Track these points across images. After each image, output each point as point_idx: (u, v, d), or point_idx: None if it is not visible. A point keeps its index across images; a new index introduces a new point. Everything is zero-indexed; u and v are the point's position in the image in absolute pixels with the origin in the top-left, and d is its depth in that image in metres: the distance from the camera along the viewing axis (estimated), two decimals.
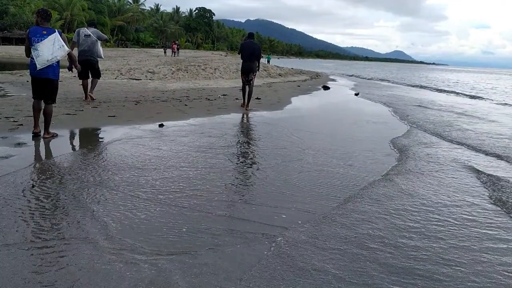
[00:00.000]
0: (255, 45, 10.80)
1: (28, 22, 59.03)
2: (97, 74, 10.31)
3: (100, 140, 6.57)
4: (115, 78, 17.34)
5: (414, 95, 19.88)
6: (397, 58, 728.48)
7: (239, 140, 6.92)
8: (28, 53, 6.02)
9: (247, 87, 10.69)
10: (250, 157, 5.92)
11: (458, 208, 4.20)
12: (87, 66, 9.94)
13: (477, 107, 15.40)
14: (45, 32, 5.99)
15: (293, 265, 2.85)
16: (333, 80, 28.72)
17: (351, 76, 39.31)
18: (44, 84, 6.14)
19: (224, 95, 13.32)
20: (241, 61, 10.82)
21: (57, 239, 3.04)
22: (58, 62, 6.16)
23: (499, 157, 6.72)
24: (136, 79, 17.37)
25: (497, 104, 17.45)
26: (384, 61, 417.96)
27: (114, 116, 8.33)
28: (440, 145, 7.47)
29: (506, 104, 17.47)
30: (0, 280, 2.49)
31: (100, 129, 7.28)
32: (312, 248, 3.12)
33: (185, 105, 10.60)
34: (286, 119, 9.59)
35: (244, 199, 4.17)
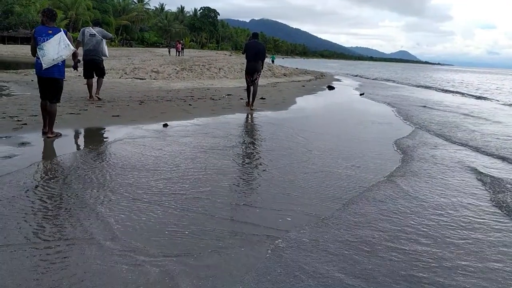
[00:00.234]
0: (260, 45, 10.78)
1: (34, 21, 59.20)
2: (102, 73, 10.33)
3: (104, 140, 6.56)
4: (120, 78, 17.36)
5: (419, 95, 19.79)
6: (402, 58, 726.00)
7: (243, 141, 6.89)
8: (34, 52, 6.04)
9: (251, 87, 10.67)
10: (255, 158, 5.89)
11: (465, 211, 4.15)
12: (92, 66, 9.97)
13: (483, 108, 15.30)
14: (50, 32, 6.00)
15: (297, 269, 2.82)
16: (338, 80, 28.65)
17: (356, 76, 39.21)
18: (50, 83, 6.16)
19: (228, 94, 13.30)
20: (246, 60, 10.80)
21: (60, 239, 3.02)
22: (63, 61, 6.17)
23: (505, 159, 6.64)
24: (140, 79, 17.37)
25: (503, 105, 17.33)
26: (389, 61, 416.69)
27: (118, 115, 8.33)
28: (445, 147, 7.40)
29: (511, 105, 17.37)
30: (1, 281, 2.47)
31: (104, 128, 7.27)
32: (317, 252, 3.08)
33: (190, 104, 10.58)
34: (291, 119, 9.55)
35: (249, 200, 4.13)
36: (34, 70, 6.23)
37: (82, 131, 7.07)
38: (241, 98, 12.19)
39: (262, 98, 12.54)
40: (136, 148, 5.87)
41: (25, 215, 3.39)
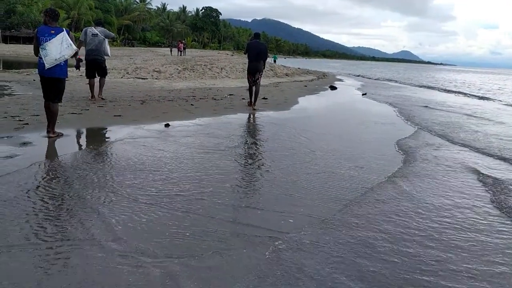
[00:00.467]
0: (262, 45, 10.77)
1: (36, 21, 59.32)
2: (104, 73, 10.33)
3: (105, 140, 6.55)
4: (122, 77, 17.35)
5: (422, 95, 19.74)
6: (404, 58, 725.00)
7: (246, 141, 6.87)
8: (37, 52, 6.05)
9: (253, 87, 10.65)
10: (257, 159, 5.87)
11: (469, 213, 4.13)
12: (95, 65, 9.98)
13: (486, 108, 15.21)
14: (53, 32, 6.01)
15: (298, 271, 2.80)
16: (340, 80, 28.60)
17: (358, 76, 39.14)
18: (52, 83, 6.17)
19: (230, 94, 13.28)
20: (248, 60, 10.79)
21: (61, 240, 3.01)
22: (66, 60, 6.17)
23: (507, 160, 6.58)
24: (142, 78, 17.37)
25: (506, 105, 17.26)
26: (391, 61, 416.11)
27: (120, 115, 8.31)
28: (448, 147, 7.37)
29: None
30: (2, 282, 2.45)
31: (105, 128, 7.26)
32: (318, 253, 3.06)
33: (191, 104, 10.56)
34: (293, 119, 9.53)
35: (252, 202, 4.11)
36: (37, 70, 6.23)
37: (84, 131, 7.06)
38: (243, 98, 12.17)
39: (264, 98, 12.52)
40: (137, 148, 5.85)
41: (26, 216, 3.38)
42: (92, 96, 10.15)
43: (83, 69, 9.87)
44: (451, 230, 3.65)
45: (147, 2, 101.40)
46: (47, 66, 5.95)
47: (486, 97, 20.66)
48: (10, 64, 26.42)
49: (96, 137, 6.80)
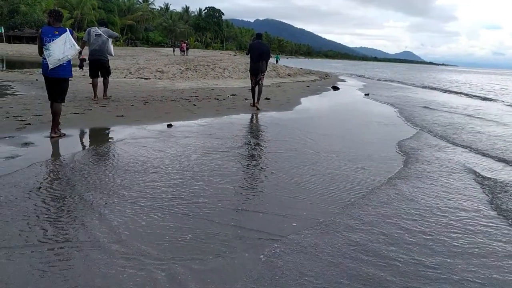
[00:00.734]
0: (264, 46, 10.76)
1: (39, 21, 59.50)
2: (107, 73, 10.37)
3: (108, 140, 6.54)
4: (124, 77, 17.37)
5: (424, 96, 19.68)
6: (406, 59, 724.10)
7: (248, 142, 6.85)
8: (41, 52, 6.07)
9: (256, 87, 10.65)
10: (260, 160, 5.85)
11: (471, 217, 4.10)
12: (98, 65, 10.02)
13: (488, 109, 15.14)
14: (56, 32, 6.02)
15: (301, 273, 2.78)
16: (342, 80, 28.57)
17: (360, 76, 39.08)
18: (56, 83, 6.18)
19: (233, 95, 13.27)
20: (250, 61, 10.77)
21: (64, 241, 3.00)
22: (69, 60, 6.17)
23: (510, 163, 6.53)
24: (145, 78, 17.38)
25: (508, 106, 17.18)
26: (393, 61, 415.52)
27: (122, 115, 8.31)
28: (450, 149, 7.32)
29: None
30: (2, 284, 2.44)
31: (108, 128, 7.26)
32: (320, 256, 3.05)
33: (194, 105, 10.56)
34: (296, 120, 9.51)
35: (255, 204, 4.09)
36: (41, 70, 6.24)
37: (86, 131, 7.06)
38: (246, 99, 12.16)
39: (266, 99, 12.50)
40: (139, 149, 5.84)
41: (28, 217, 3.37)
42: (95, 96, 10.16)
43: (86, 68, 9.89)
44: (452, 234, 3.62)
45: (150, 2, 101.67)
46: (50, 66, 5.96)
47: (488, 98, 20.57)
48: (13, 64, 26.49)
49: (99, 137, 6.79)
